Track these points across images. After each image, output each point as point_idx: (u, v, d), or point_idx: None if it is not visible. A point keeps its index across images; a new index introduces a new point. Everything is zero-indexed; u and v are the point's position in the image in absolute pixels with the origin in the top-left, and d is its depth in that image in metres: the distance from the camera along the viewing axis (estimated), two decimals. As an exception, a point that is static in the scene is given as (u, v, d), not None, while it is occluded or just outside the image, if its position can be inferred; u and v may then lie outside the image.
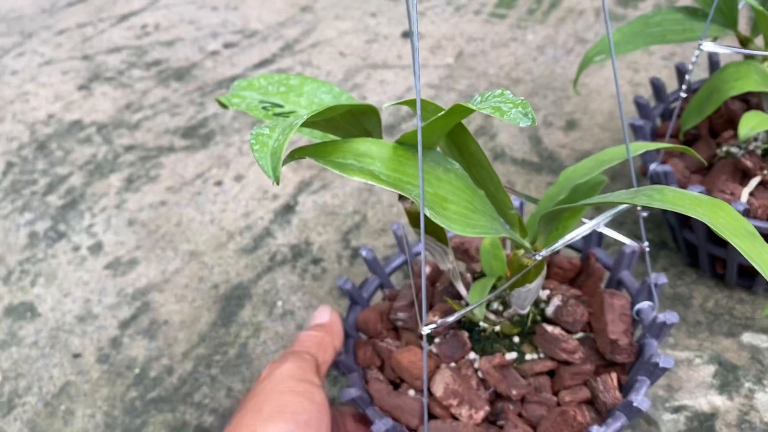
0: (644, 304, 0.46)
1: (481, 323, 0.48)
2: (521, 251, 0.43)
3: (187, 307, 0.70)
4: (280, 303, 0.69)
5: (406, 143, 0.37)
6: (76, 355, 0.67)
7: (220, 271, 0.74)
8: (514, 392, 0.44)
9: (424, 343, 0.38)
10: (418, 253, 0.57)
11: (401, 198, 0.40)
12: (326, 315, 0.49)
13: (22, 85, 1.13)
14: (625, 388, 0.44)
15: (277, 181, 0.30)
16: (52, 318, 0.72)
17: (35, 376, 0.66)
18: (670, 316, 0.43)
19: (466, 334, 0.47)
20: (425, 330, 0.36)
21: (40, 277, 0.77)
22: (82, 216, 0.84)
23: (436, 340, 0.48)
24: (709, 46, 0.49)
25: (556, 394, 0.45)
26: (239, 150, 0.90)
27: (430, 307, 0.50)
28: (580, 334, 0.47)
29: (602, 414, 0.43)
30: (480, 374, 0.46)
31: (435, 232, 0.42)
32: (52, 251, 0.80)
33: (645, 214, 0.46)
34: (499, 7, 1.11)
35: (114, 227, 0.82)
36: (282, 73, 0.42)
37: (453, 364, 0.46)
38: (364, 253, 0.53)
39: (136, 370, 0.65)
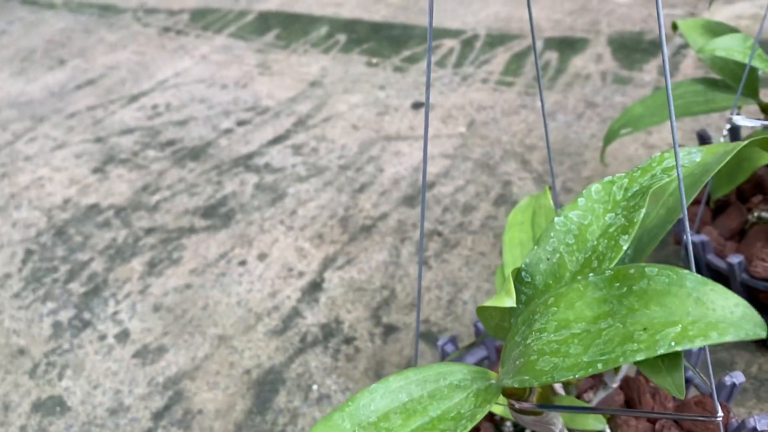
0: None
1: None
2: None
3: (220, 394, 0.69)
4: (315, 387, 0.68)
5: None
6: (110, 451, 0.66)
7: (250, 355, 0.73)
8: None
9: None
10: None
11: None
12: None
13: (36, 170, 1.13)
14: None
15: None
16: (83, 412, 0.70)
17: (69, 474, 0.65)
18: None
19: None
20: None
21: (67, 369, 0.76)
22: (106, 303, 0.83)
23: None
24: (740, 120, 0.50)
25: None
26: (260, 228, 0.90)
27: None
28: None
29: None
30: None
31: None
32: (78, 341, 0.79)
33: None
34: (505, 75, 1.13)
35: (139, 313, 0.81)
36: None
37: None
38: (444, 345, 0.50)
39: (173, 464, 0.64)
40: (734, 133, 0.68)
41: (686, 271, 0.28)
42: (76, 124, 1.25)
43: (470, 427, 0.29)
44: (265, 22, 1.51)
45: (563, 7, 1.30)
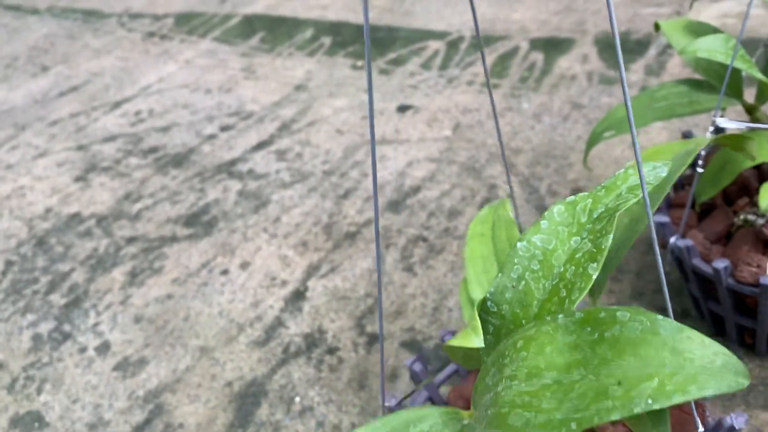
0: None
1: None
2: None
3: (201, 408, 0.68)
4: (297, 399, 0.67)
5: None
6: (89, 467, 0.65)
7: (232, 367, 0.71)
8: None
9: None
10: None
11: None
12: None
13: (17, 179, 1.12)
14: None
15: None
16: (62, 427, 0.69)
17: (46, 492, 0.63)
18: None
19: None
20: None
21: (46, 383, 0.74)
22: (86, 314, 0.82)
23: None
24: (722, 121, 0.49)
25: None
26: (243, 236, 0.89)
27: None
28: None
29: None
30: None
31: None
32: (58, 354, 0.77)
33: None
34: (491, 77, 1.12)
35: (120, 325, 0.80)
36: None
37: None
38: (411, 366, 0.48)
39: (153, 480, 0.63)
40: (719, 134, 0.67)
41: (660, 318, 0.26)
42: (59, 132, 1.23)
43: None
44: (250, 25, 1.49)
45: (549, 8, 1.29)
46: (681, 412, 0.45)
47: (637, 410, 0.24)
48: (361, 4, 1.47)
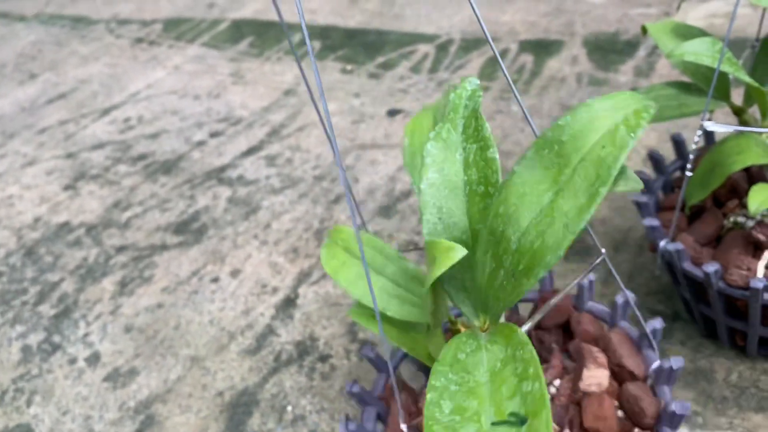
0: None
1: None
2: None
3: (192, 418, 0.67)
4: (289, 408, 0.66)
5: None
6: (79, 480, 0.64)
7: (223, 376, 0.71)
8: None
9: None
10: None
11: None
12: None
13: (5, 188, 1.11)
14: None
15: None
16: (52, 440, 0.68)
17: (37, 506, 0.63)
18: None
19: None
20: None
21: (36, 395, 0.74)
22: (76, 325, 0.81)
23: None
24: (710, 125, 0.49)
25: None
26: (233, 243, 0.88)
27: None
28: None
29: None
30: None
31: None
32: (48, 365, 0.77)
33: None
34: (480, 80, 1.12)
35: (110, 335, 0.79)
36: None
37: None
38: (351, 389, 0.50)
39: (144, 493, 0.62)
40: (709, 137, 0.67)
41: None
42: (47, 140, 1.22)
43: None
44: (238, 30, 1.49)
45: (538, 9, 1.29)
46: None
47: None
48: (350, 9, 1.47)
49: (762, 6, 0.54)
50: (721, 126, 0.49)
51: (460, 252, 0.35)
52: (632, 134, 0.34)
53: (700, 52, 0.50)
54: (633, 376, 0.47)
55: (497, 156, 0.41)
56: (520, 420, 0.30)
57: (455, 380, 0.34)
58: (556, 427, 0.45)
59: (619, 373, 0.48)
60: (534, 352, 0.33)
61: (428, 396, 0.33)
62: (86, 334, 0.80)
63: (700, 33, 0.58)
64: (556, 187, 0.35)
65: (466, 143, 0.42)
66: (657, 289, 0.69)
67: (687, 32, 0.59)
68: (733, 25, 1.08)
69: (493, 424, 0.31)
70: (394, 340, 0.45)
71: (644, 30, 0.61)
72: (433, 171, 0.41)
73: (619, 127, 0.34)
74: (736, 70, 0.51)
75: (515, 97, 0.38)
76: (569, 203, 0.34)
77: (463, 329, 0.41)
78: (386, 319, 0.45)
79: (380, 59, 1.24)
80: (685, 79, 0.61)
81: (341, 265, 0.46)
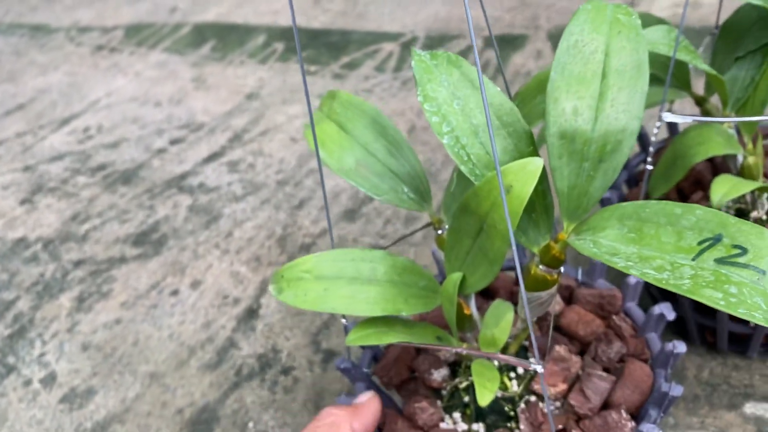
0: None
1: None
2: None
3: (151, 438, 0.65)
4: (251, 424, 0.64)
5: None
6: None
7: (183, 392, 0.68)
8: None
9: None
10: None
11: None
12: (363, 397, 0.46)
13: (-40, 204, 1.07)
14: None
15: None
16: (4, 468, 0.65)
17: None
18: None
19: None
20: None
21: (-12, 421, 0.70)
22: (32, 345, 0.78)
23: None
24: (669, 116, 0.48)
25: None
26: (194, 253, 0.85)
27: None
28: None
29: None
30: None
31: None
32: (1, 389, 0.74)
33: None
34: (446, 76, 1.10)
35: (67, 354, 0.76)
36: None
37: None
38: (340, 365, 0.48)
39: None
40: (673, 128, 0.66)
41: None
42: (4, 153, 1.19)
43: None
44: (200, 34, 1.46)
45: (503, 4, 1.27)
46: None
47: None
48: (314, 9, 1.45)
49: (719, -8, 0.53)
50: (679, 117, 0.47)
51: (537, 162, 0.35)
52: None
53: (656, 40, 0.49)
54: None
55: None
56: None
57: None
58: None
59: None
60: None
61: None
62: (42, 354, 0.77)
63: (657, 21, 0.56)
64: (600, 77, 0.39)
65: (454, 87, 0.42)
66: (626, 285, 0.67)
67: (644, 21, 0.57)
68: (692, 13, 1.06)
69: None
70: (405, 337, 0.42)
71: (601, 20, 0.59)
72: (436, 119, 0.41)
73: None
74: (693, 58, 0.49)
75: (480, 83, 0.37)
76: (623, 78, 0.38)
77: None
78: (389, 322, 0.43)
79: (344, 59, 1.22)
80: (645, 69, 0.59)
81: (324, 292, 0.43)
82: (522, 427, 0.42)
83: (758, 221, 0.54)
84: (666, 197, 0.60)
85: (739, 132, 0.55)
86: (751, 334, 0.55)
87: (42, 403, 0.71)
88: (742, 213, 0.56)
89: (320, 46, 1.28)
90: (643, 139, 0.65)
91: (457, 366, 0.48)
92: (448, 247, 0.41)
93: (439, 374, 0.46)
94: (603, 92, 0.38)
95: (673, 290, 0.31)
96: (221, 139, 1.07)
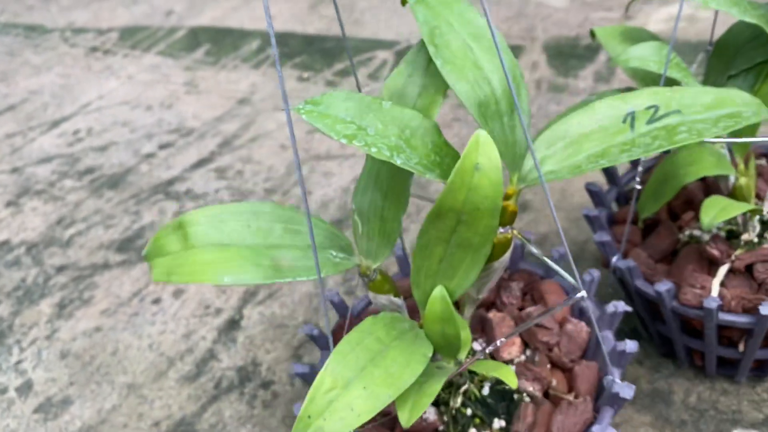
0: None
1: None
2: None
3: (125, 452, 0.63)
4: (228, 439, 0.62)
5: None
6: None
7: (161, 405, 0.67)
8: None
9: None
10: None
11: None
12: None
13: (-55, 205, 1.06)
14: None
15: None
16: (-26, 479, 0.64)
17: None
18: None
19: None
20: None
21: (-40, 430, 0.69)
22: (9, 351, 0.77)
23: None
24: (659, 135, 0.46)
25: None
26: (179, 261, 0.84)
27: None
28: None
29: None
30: None
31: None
32: (-25, 397, 0.72)
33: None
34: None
35: (45, 362, 0.74)
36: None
37: None
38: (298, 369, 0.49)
39: None
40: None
41: None
42: (-8, 154, 1.17)
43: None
44: (195, 38, 1.45)
45: (499, 14, 1.26)
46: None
47: None
48: (310, 14, 1.44)
49: (714, 8, 0.51)
50: (670, 136, 0.46)
51: (483, 132, 0.37)
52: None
53: (646, 57, 0.48)
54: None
55: None
56: None
57: None
58: None
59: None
60: None
61: None
62: (19, 362, 0.75)
63: (650, 37, 0.55)
64: None
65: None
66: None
67: (637, 36, 0.56)
68: (689, 27, 1.05)
69: None
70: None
71: (592, 34, 0.58)
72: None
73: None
74: (684, 75, 0.48)
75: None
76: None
77: None
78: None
79: (338, 66, 1.21)
80: (634, 85, 0.58)
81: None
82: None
83: (749, 243, 0.53)
84: (657, 217, 0.58)
85: (731, 152, 0.54)
86: (740, 359, 0.54)
87: (16, 413, 0.70)
88: (733, 234, 0.54)
89: (314, 53, 1.27)
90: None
91: (442, 392, 0.46)
92: (415, 269, 0.40)
93: (430, 415, 0.46)
94: (476, 62, 0.44)
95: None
96: (210, 145, 1.06)
